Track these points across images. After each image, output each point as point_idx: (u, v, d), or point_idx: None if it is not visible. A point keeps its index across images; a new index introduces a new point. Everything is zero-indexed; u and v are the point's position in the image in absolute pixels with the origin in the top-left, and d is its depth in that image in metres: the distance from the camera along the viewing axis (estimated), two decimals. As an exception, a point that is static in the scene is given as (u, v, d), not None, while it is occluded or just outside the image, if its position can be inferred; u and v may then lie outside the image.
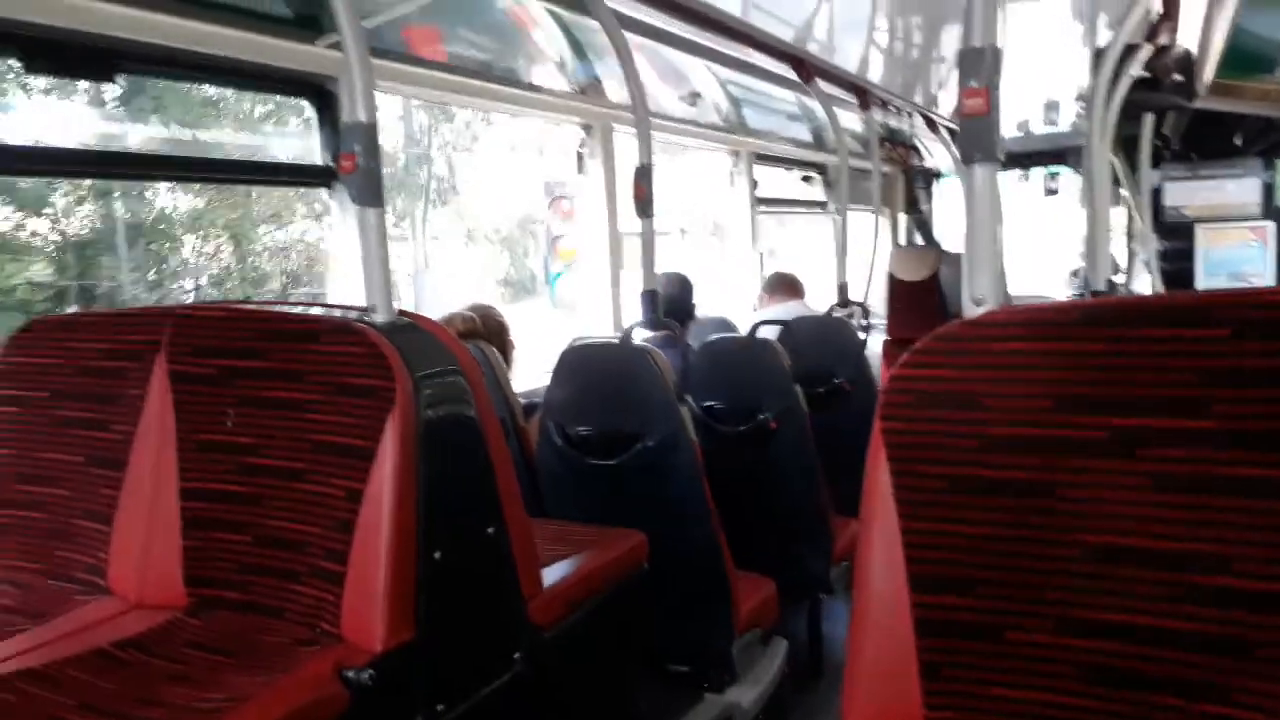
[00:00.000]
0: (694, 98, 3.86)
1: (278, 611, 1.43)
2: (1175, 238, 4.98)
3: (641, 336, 2.60)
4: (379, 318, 1.52)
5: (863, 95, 4.13)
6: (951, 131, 5.43)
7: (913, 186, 6.71)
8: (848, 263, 3.81)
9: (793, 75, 3.58)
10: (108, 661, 1.33)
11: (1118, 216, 6.15)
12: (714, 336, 3.03)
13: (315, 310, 1.62)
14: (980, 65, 1.24)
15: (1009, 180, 7.15)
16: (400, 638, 1.36)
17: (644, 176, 2.39)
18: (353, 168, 1.49)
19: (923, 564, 1.13)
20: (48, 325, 1.74)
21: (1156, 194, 5.13)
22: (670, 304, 3.13)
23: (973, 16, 1.25)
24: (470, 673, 1.53)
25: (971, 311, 1.26)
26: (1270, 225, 4.82)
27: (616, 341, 2.48)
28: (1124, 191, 4.83)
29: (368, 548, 1.36)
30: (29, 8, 1.78)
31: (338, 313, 1.57)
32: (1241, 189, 4.89)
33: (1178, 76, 3.00)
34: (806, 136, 5.14)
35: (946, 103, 4.95)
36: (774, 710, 2.45)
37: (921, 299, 5.54)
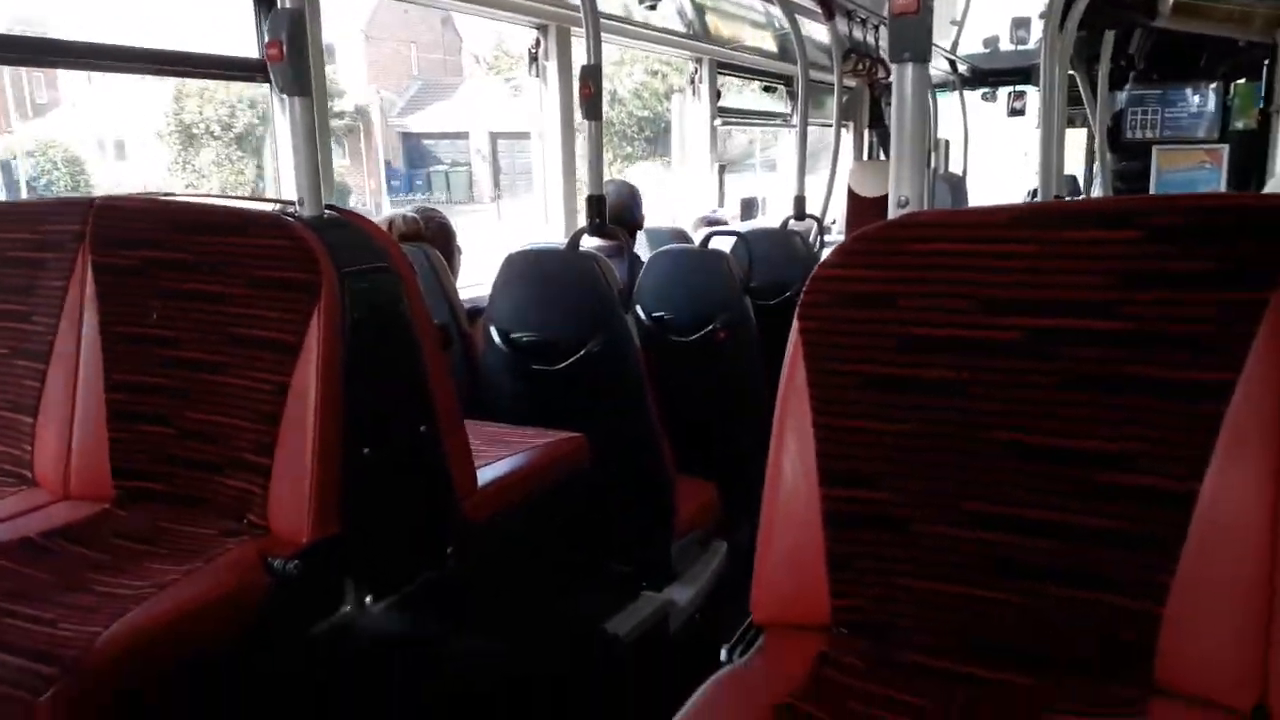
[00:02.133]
0: (653, 1, 3.76)
1: (203, 503, 1.43)
2: (1133, 158, 5.00)
3: (590, 245, 2.58)
4: (306, 211, 1.50)
5: (827, 5, 4.05)
6: None
7: (878, 101, 6.64)
8: (807, 178, 3.79)
9: None
10: (34, 551, 1.34)
11: (1080, 138, 6.15)
12: (665, 247, 3.01)
13: (241, 204, 1.58)
14: None
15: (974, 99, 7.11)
16: (327, 530, 1.37)
17: (592, 76, 2.34)
18: (279, 56, 1.45)
19: (833, 459, 1.16)
20: None
21: (1119, 116, 5.13)
22: (618, 213, 3.10)
23: None
24: (400, 566, 1.56)
25: (895, 214, 1.27)
26: (1224, 149, 4.85)
27: (562, 247, 2.46)
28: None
29: (294, 441, 1.37)
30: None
31: (266, 207, 1.54)
32: (1200, 111, 4.90)
33: None
34: (771, 46, 5.04)
35: None
36: (711, 609, 2.52)
37: (881, 214, 5.52)
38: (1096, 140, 4.42)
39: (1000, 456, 1.09)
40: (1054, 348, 1.06)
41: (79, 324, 1.56)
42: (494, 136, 24.58)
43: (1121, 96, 5.16)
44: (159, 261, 1.50)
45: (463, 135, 25.42)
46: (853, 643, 1.15)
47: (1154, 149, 4.98)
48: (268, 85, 2.41)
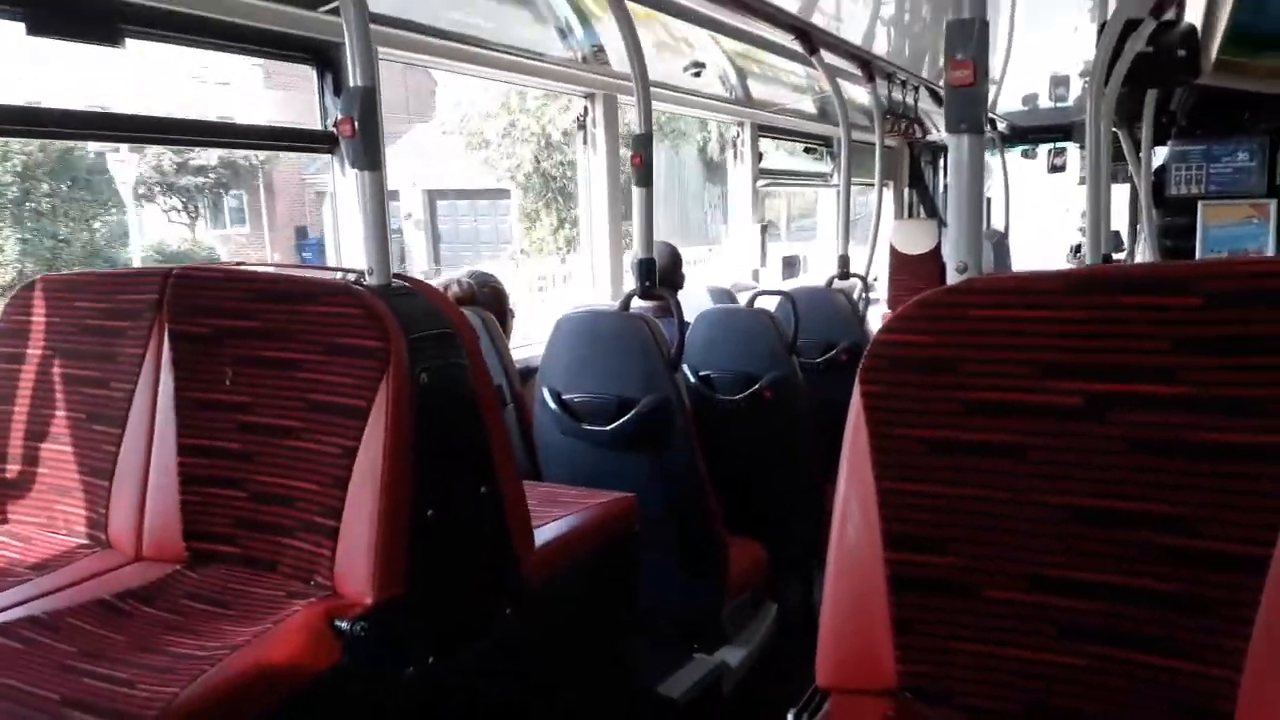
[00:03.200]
0: (698, 68, 3.85)
1: (272, 565, 1.47)
2: (1178, 214, 4.97)
3: (637, 307, 2.62)
4: (375, 280, 1.55)
5: (867, 68, 4.12)
6: None
7: (918, 160, 6.69)
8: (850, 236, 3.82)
9: (798, 47, 3.57)
10: (109, 612, 1.37)
11: (1123, 193, 6.13)
12: (710, 306, 3.05)
13: (313, 273, 1.64)
14: (968, 37, 1.26)
15: (1013, 156, 7.12)
16: (392, 591, 1.40)
17: (643, 145, 2.40)
18: (351, 132, 1.51)
19: (897, 522, 1.16)
20: (50, 284, 1.77)
21: (1162, 171, 5.11)
22: (662, 274, 3.15)
23: None
24: (462, 627, 1.57)
25: (954, 279, 1.29)
26: (1272, 203, 4.80)
27: (612, 309, 2.50)
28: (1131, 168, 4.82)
29: (361, 503, 1.40)
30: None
31: (336, 275, 1.60)
32: (1245, 166, 4.87)
33: (1181, 53, 2.98)
34: (811, 109, 5.12)
35: None
36: (763, 672, 2.50)
37: (923, 272, 5.55)
38: (1141, 196, 4.41)
39: (1063, 521, 1.09)
40: (1113, 413, 1.06)
41: (154, 390, 1.61)
42: (431, 196, 20.14)
43: (1164, 152, 5.15)
44: (233, 330, 1.56)
45: (391, 195, 20.98)
46: (919, 708, 1.15)
47: (1200, 204, 4.95)
48: (329, 155, 2.51)
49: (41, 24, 1.92)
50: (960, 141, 1.30)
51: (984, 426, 1.13)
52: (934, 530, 1.15)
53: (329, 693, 1.31)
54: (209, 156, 18.10)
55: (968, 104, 1.28)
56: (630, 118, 3.34)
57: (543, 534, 1.77)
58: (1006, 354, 1.12)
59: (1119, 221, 6.52)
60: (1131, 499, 1.06)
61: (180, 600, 1.41)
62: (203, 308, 1.60)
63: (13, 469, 1.73)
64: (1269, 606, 0.98)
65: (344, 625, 1.32)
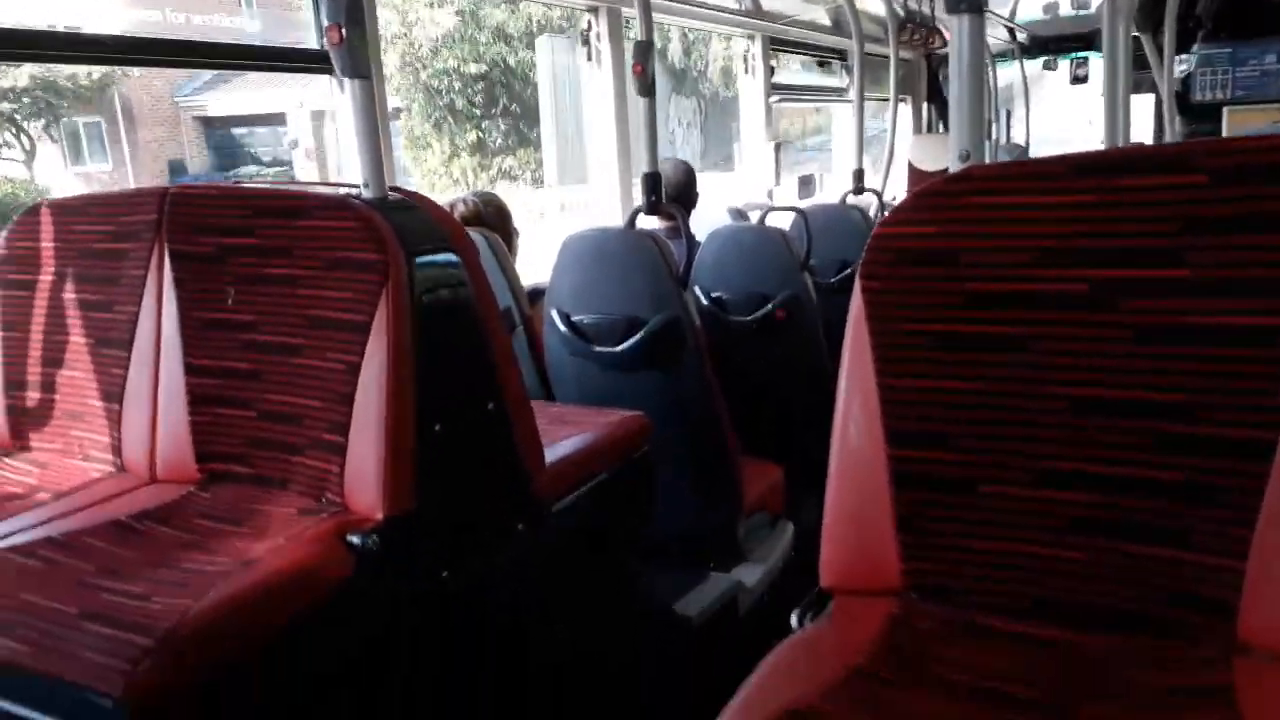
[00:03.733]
0: None
1: (283, 483, 1.47)
2: (1203, 121, 4.84)
3: (647, 225, 2.58)
4: (371, 193, 1.52)
5: None
6: None
7: (936, 73, 6.52)
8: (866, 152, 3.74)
9: None
10: (125, 531, 1.39)
11: (1147, 103, 5.96)
12: (721, 224, 3.00)
13: (308, 188, 1.61)
14: None
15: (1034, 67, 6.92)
16: (402, 506, 1.40)
17: (644, 53, 2.34)
18: (339, 39, 1.47)
19: (899, 419, 1.15)
20: (51, 209, 1.75)
21: (1187, 78, 4.96)
22: (673, 192, 3.10)
23: None
24: (473, 543, 1.58)
25: (956, 168, 1.25)
26: (1300, 107, 4.67)
27: (619, 228, 2.46)
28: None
29: (366, 419, 1.39)
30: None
31: (332, 190, 1.57)
32: (1273, 69, 4.72)
33: None
34: (825, 20, 4.97)
35: None
36: (779, 591, 2.52)
37: None
38: (1164, 105, 4.28)
39: (1068, 412, 1.07)
40: (1119, 299, 1.04)
41: (158, 311, 1.60)
42: (317, 118, 15.94)
43: (1189, 59, 4.99)
44: (232, 247, 1.54)
45: (278, 119, 17.15)
46: (924, 606, 1.14)
47: (1224, 110, 4.81)
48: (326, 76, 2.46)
49: None
50: (961, 22, 1.25)
51: (986, 319, 1.10)
52: (936, 426, 1.13)
53: (342, 605, 1.32)
54: (19, 75, 14.70)
55: None
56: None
57: (553, 452, 1.77)
58: (1008, 242, 1.09)
59: (1142, 133, 6.37)
60: (1135, 388, 1.03)
61: (194, 519, 1.42)
62: (201, 226, 1.58)
63: (25, 395, 1.74)
64: (1274, 492, 0.96)
65: (355, 539, 1.33)
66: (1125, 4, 2.46)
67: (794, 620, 1.17)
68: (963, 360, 1.11)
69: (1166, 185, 1.02)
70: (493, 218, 2.63)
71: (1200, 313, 0.99)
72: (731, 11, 4.12)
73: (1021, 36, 6.56)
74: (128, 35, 2.23)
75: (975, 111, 1.28)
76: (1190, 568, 1.01)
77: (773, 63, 4.51)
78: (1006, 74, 6.47)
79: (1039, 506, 1.08)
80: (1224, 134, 4.76)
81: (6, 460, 1.68)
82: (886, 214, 3.47)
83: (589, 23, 3.34)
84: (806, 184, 5.23)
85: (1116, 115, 2.47)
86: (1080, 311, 1.05)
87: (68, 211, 1.75)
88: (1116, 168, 1.05)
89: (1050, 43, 6.58)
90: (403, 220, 1.46)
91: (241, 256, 1.53)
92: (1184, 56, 4.92)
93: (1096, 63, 6.81)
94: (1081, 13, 6.16)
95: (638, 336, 2.28)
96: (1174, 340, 1.01)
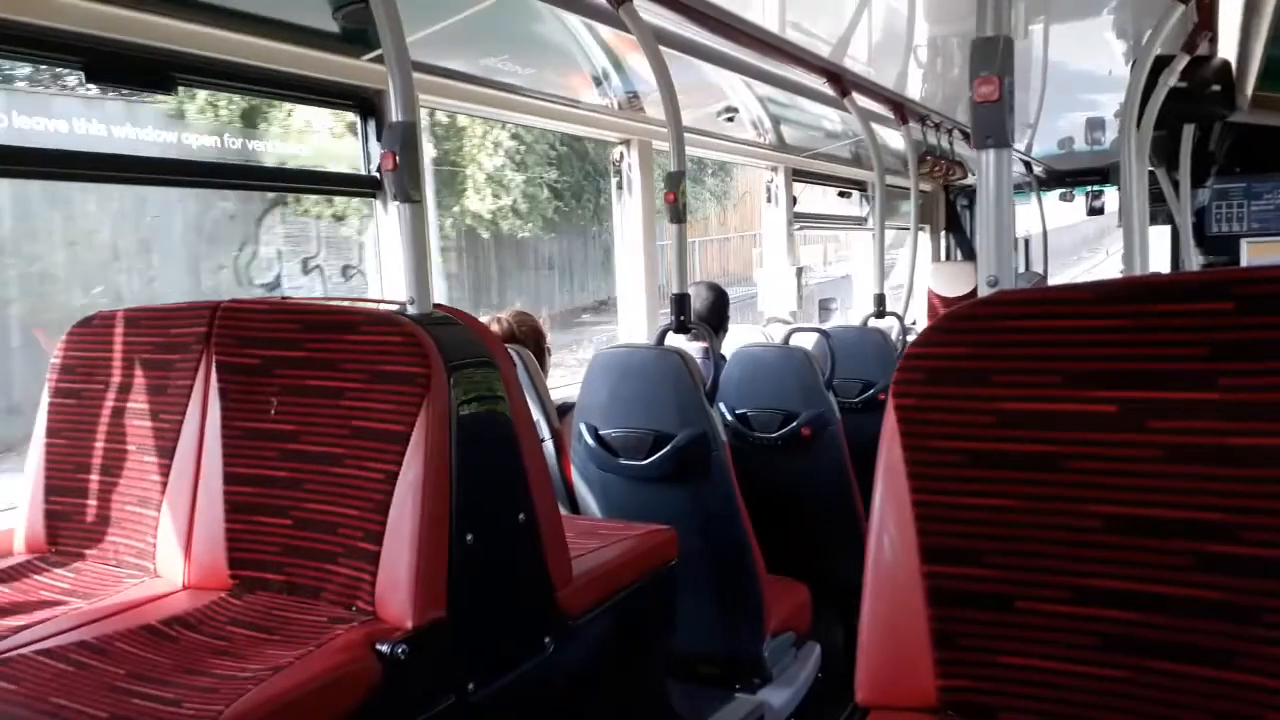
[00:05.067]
0: (730, 113, 3.91)
1: (316, 591, 1.48)
2: (1221, 253, 4.91)
3: (676, 344, 2.64)
4: (416, 309, 1.58)
5: (900, 110, 4.15)
6: None
7: (954, 203, 6.70)
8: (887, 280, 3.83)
9: (830, 90, 3.61)
10: (156, 637, 1.39)
11: (1163, 234, 6.07)
12: (746, 344, 3.06)
13: (355, 304, 1.68)
14: (991, 53, 1.28)
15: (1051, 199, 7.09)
16: (431, 615, 1.40)
17: (676, 183, 2.44)
18: (393, 165, 1.56)
19: (934, 535, 1.15)
20: (104, 319, 1.83)
21: (1203, 211, 5.07)
22: (704, 312, 3.18)
23: (985, 7, 1.29)
24: (501, 655, 1.57)
25: (985, 292, 1.29)
26: (1318, 238, 4.74)
27: (648, 345, 2.52)
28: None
29: (401, 528, 1.41)
30: (94, 22, 1.88)
31: (377, 306, 1.64)
32: None
33: (1216, 88, 2.97)
34: (846, 153, 5.16)
35: None
36: (807, 714, 2.46)
37: None
38: (1182, 238, 4.37)
39: (1104, 530, 1.07)
40: (1148, 420, 1.05)
41: (202, 420, 1.65)
42: None
43: (1204, 192, 5.11)
44: (279, 360, 1.59)
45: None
46: None
47: (1243, 242, 4.89)
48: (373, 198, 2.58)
49: (99, 72, 2.01)
50: (987, 157, 1.31)
51: (1018, 438, 1.12)
52: (971, 543, 1.14)
53: (369, 714, 1.31)
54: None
55: (994, 119, 1.29)
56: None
57: (580, 564, 1.77)
58: (1038, 364, 1.12)
59: (1160, 263, 6.45)
60: (1172, 507, 1.04)
61: (225, 626, 1.43)
62: (249, 339, 1.64)
63: (65, 500, 1.77)
64: None
65: (384, 648, 1.33)
66: (1141, 142, 2.55)
67: None
68: (996, 478, 1.13)
69: (1194, 312, 1.05)
70: (527, 335, 2.71)
71: (1234, 434, 1.01)
72: (755, 144, 4.29)
73: (1038, 170, 6.76)
74: (194, 160, 2.36)
75: (1003, 240, 1.34)
76: (1233, 688, 1.00)
77: (794, 193, 4.67)
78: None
79: (1076, 624, 1.08)
80: (1244, 264, 4.83)
81: (43, 564, 1.71)
82: (908, 337, 3.53)
83: (620, 153, 3.50)
84: (827, 308, 5.32)
85: (1134, 247, 2.53)
86: (1110, 432, 1.07)
87: (120, 322, 1.82)
88: (1142, 295, 1.09)
89: (1067, 176, 6.77)
90: (445, 335, 1.52)
91: (287, 368, 1.58)
92: (1198, 190, 5.03)
93: (1112, 194, 6.97)
94: (1095, 148, 6.34)
95: (664, 451, 2.30)
96: (1208, 460, 1.02)
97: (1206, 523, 1.02)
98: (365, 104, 2.46)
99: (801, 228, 4.77)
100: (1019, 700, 1.10)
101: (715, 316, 3.25)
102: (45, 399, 1.84)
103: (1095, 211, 7.28)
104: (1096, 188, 7.16)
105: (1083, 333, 1.10)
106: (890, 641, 1.19)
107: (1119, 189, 2.63)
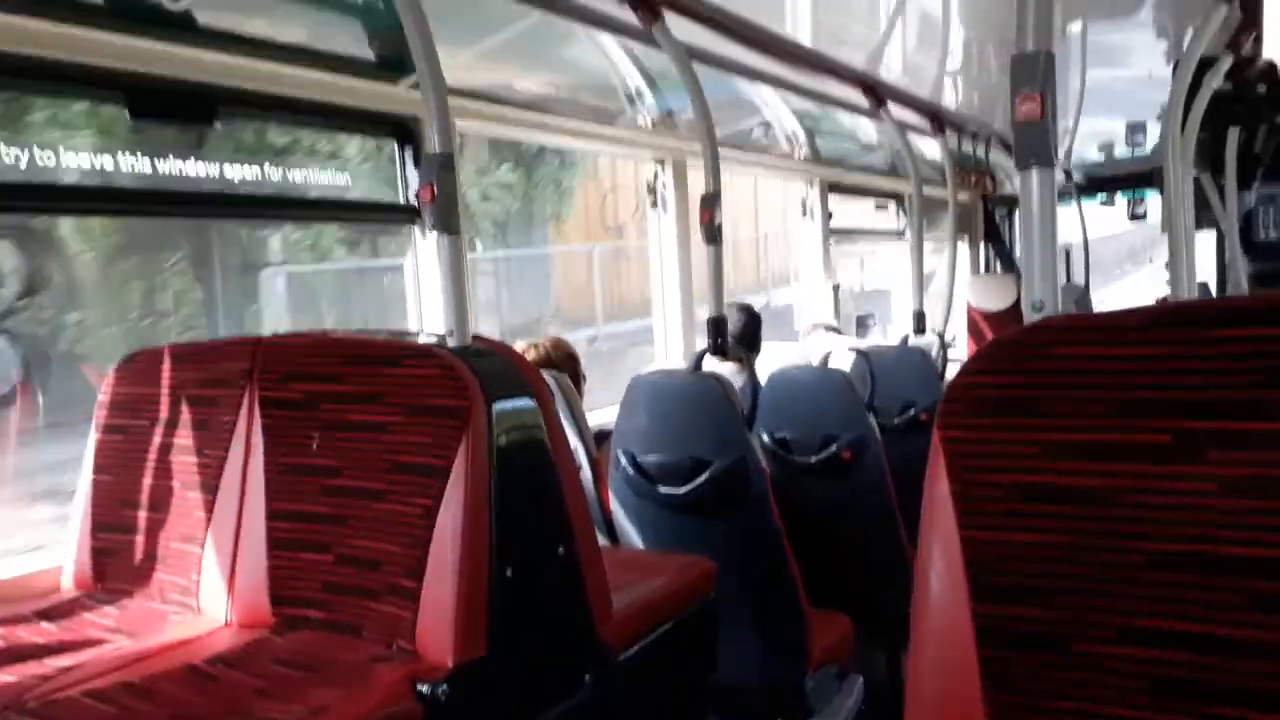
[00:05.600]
0: (765, 127, 3.89)
1: (357, 629, 1.48)
2: (1269, 259, 4.79)
3: (712, 368, 2.61)
4: (455, 341, 1.58)
5: (937, 120, 4.11)
6: None
7: (993, 214, 6.61)
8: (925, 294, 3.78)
9: (864, 102, 3.58)
10: (199, 677, 1.40)
11: (1208, 240, 5.95)
12: (782, 366, 3.02)
13: (395, 338, 1.68)
14: (1033, 70, 1.25)
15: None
16: (472, 653, 1.39)
17: (711, 204, 2.43)
18: (431, 197, 1.56)
19: (983, 573, 1.12)
20: (149, 357, 1.84)
21: (1249, 215, 4.96)
22: (737, 334, 3.15)
23: (1025, 22, 1.26)
24: (541, 692, 1.56)
25: (1031, 318, 1.26)
26: (1370, 244, 4.61)
27: (684, 369, 2.50)
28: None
29: (441, 564, 1.41)
30: (137, 58, 1.90)
31: (418, 339, 1.63)
32: None
33: (1262, 88, 2.89)
34: (881, 164, 5.12)
35: None
36: None
37: (1003, 327, 5.44)
38: (1229, 245, 4.27)
39: (1159, 568, 1.03)
40: (1203, 450, 1.01)
41: (245, 456, 1.66)
42: None
43: (1250, 196, 4.99)
44: (321, 394, 1.60)
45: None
46: None
47: None
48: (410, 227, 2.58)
49: (142, 107, 2.03)
50: (1030, 177, 1.28)
51: (1069, 470, 1.08)
52: (1021, 580, 1.10)
53: None
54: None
55: (1037, 138, 1.26)
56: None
57: (620, 598, 1.76)
58: (1090, 393, 1.08)
59: (1206, 270, 6.32)
60: (1228, 543, 1.00)
61: (268, 665, 1.43)
62: (292, 374, 1.65)
63: (111, 536, 1.79)
64: None
65: (425, 689, 1.32)
66: (1185, 146, 2.49)
67: None
68: (1045, 512, 1.09)
69: (1252, 337, 1.01)
70: (562, 361, 2.70)
71: None
72: (790, 158, 4.26)
73: (1078, 176, 6.65)
74: (228, 193, 2.37)
75: (1048, 262, 1.30)
76: None
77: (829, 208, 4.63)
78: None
79: (1129, 667, 1.04)
80: None
81: (90, 601, 1.72)
82: (949, 353, 3.46)
83: (655, 173, 3.48)
84: (864, 325, 5.26)
85: (1180, 254, 2.47)
86: (1163, 464, 1.03)
87: (164, 360, 1.83)
88: (1197, 320, 1.05)
89: (1107, 183, 6.66)
90: (484, 367, 1.51)
91: (329, 403, 1.58)
92: (1243, 194, 4.92)
93: (1154, 200, 6.85)
94: (1137, 153, 6.24)
95: (703, 478, 2.27)
96: (1267, 494, 0.98)
97: (1264, 559, 0.98)
98: (403, 130, 2.47)
99: (838, 243, 4.73)
100: None
101: (748, 339, 3.21)
102: (92, 435, 1.85)
103: (1137, 217, 7.15)
104: (1139, 193, 7.04)
105: (1135, 360, 1.06)
106: (940, 682, 1.16)
107: (1162, 194, 2.58)
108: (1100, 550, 1.06)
